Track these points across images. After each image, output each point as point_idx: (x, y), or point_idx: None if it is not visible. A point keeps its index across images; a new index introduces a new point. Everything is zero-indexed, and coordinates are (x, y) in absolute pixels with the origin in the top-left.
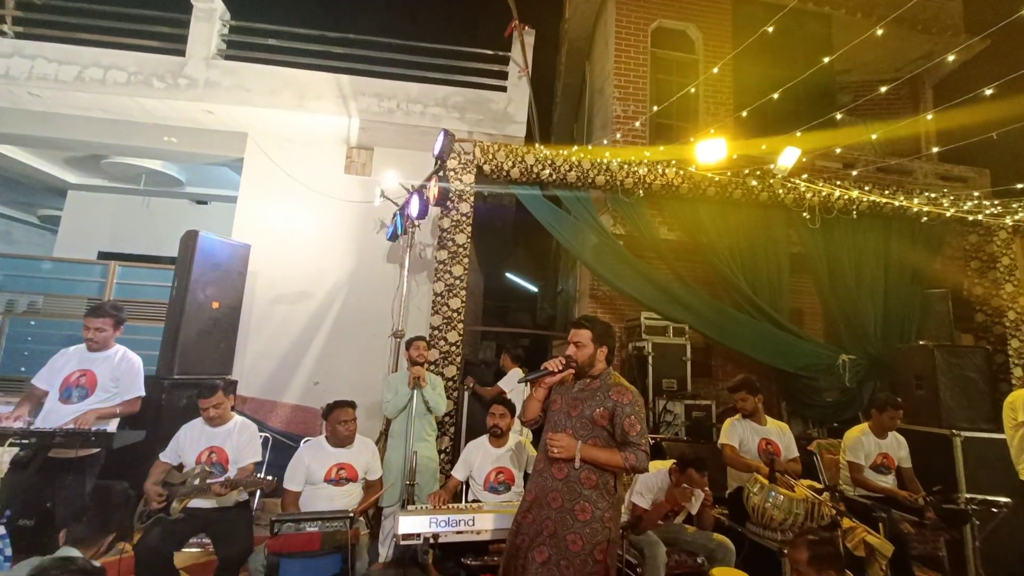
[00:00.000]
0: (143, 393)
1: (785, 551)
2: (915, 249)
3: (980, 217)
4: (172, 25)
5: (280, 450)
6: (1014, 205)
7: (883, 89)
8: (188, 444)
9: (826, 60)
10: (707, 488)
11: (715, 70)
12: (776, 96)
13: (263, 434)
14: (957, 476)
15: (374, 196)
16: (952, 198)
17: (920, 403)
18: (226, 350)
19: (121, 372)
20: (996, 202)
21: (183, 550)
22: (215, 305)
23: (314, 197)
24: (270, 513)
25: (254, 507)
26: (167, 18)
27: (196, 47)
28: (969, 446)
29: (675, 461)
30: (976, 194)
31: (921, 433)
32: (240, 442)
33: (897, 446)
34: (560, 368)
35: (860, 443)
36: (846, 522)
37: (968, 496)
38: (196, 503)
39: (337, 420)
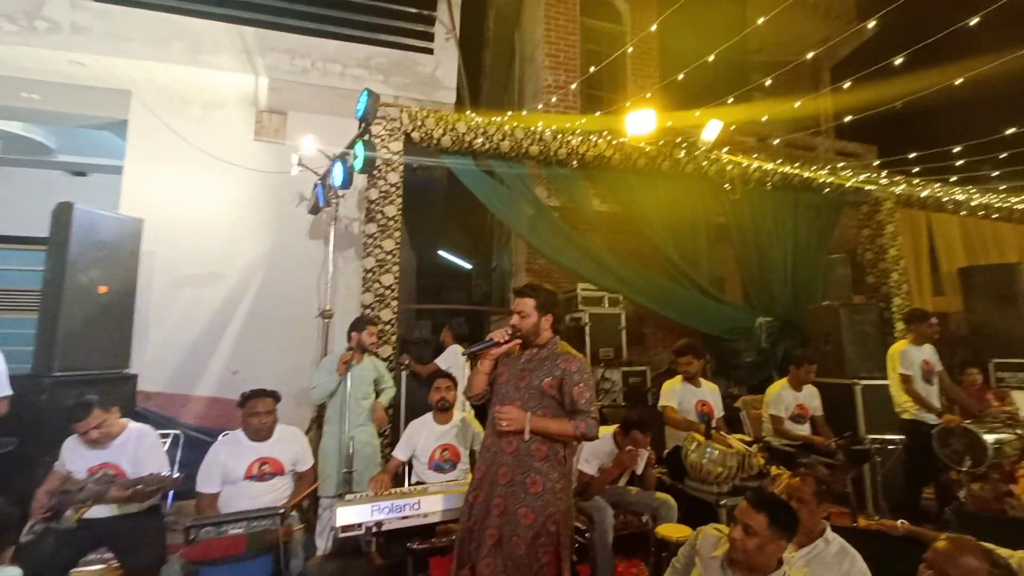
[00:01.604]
0: (9, 392)
1: (776, 484)
2: (819, 218)
3: (872, 188)
4: None
5: (196, 447)
6: (897, 177)
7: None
8: (74, 460)
9: (736, 38)
10: (650, 448)
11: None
12: (711, 59)
13: (173, 431)
14: (858, 420)
15: (290, 165)
16: (849, 171)
17: (828, 357)
18: (120, 340)
19: None
20: (884, 174)
21: (82, 569)
22: (102, 290)
23: (218, 166)
24: (186, 517)
25: (165, 511)
26: None
27: None
28: (867, 393)
29: (619, 425)
30: (876, 163)
31: (830, 384)
32: (139, 453)
33: (811, 397)
34: (506, 339)
35: (780, 397)
36: (773, 470)
37: (872, 437)
38: (95, 512)
39: (249, 412)
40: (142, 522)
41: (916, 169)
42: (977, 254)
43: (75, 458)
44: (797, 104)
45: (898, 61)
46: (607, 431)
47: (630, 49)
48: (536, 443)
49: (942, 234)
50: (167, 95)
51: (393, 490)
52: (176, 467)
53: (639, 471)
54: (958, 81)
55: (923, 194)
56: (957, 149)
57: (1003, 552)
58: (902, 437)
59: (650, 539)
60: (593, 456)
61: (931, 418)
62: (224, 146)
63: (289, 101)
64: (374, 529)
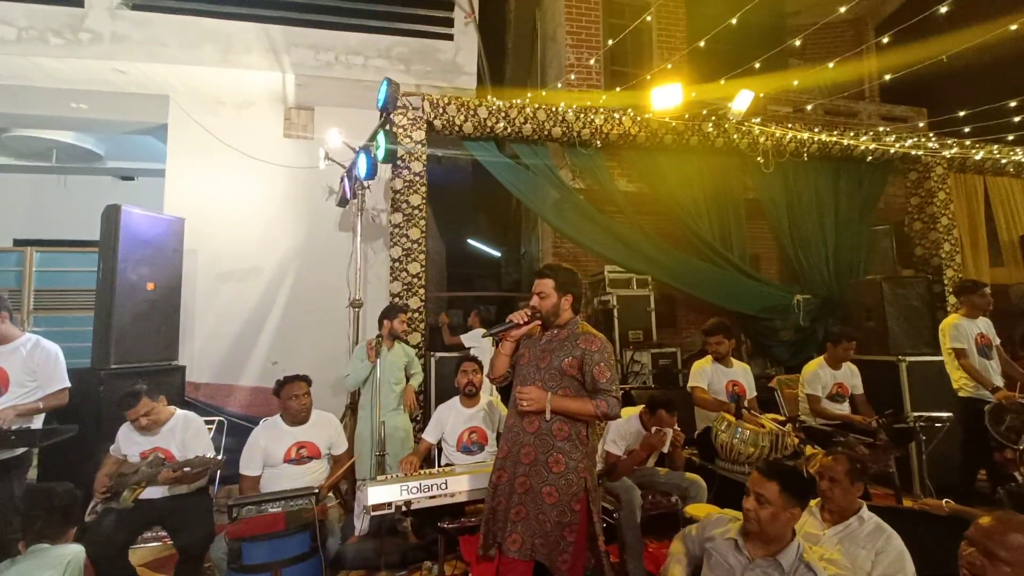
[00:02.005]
0: (67, 384)
1: (811, 464)
2: (861, 188)
3: (920, 152)
4: None
5: (240, 435)
6: (949, 140)
7: (842, 9)
8: (128, 445)
9: None
10: (677, 427)
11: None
12: (734, 22)
13: (217, 418)
14: (903, 398)
15: (318, 160)
16: (895, 137)
17: (870, 334)
18: (169, 334)
19: (36, 363)
20: (933, 138)
21: (140, 546)
22: (150, 286)
23: (252, 164)
24: (231, 499)
25: (214, 494)
26: None
27: None
28: (913, 369)
29: (645, 405)
30: (920, 125)
31: (873, 362)
32: (186, 438)
33: (851, 375)
34: (525, 320)
35: (817, 376)
36: (808, 449)
37: (915, 415)
38: (148, 493)
39: (288, 395)
40: (192, 502)
41: (967, 130)
42: None
43: (129, 443)
44: (831, 64)
45: (944, 10)
46: (634, 412)
47: (649, 18)
48: (557, 423)
49: (1001, 199)
50: (202, 97)
51: (422, 471)
52: (221, 452)
53: (665, 450)
54: (1013, 27)
55: (978, 157)
56: (1013, 104)
57: None
58: (949, 415)
59: (679, 519)
60: (620, 437)
61: (990, 395)
62: (256, 144)
63: (316, 96)
64: (403, 508)
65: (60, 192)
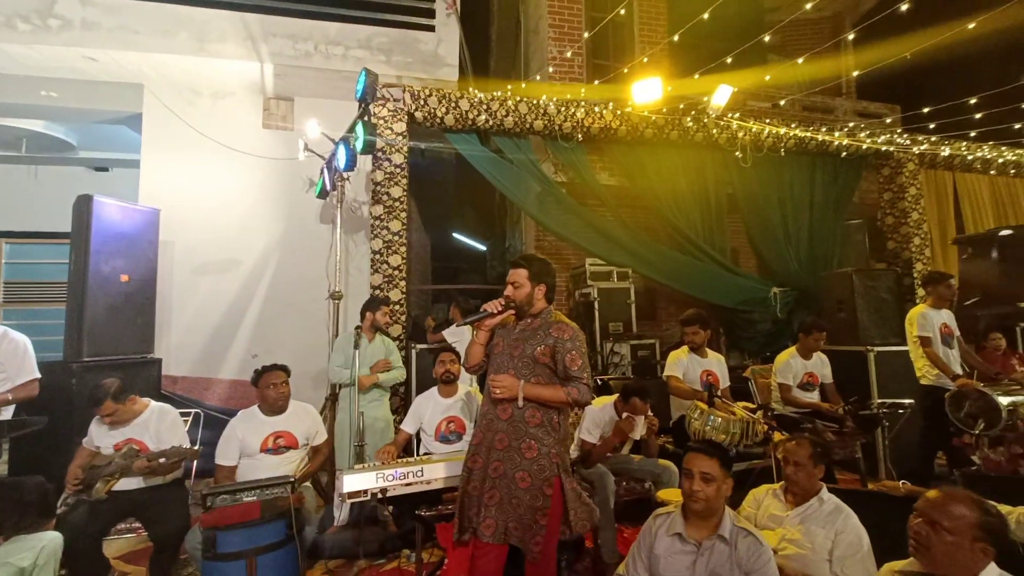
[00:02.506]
0: (37, 375)
1: (779, 450)
2: (836, 183)
3: (892, 149)
4: None
5: (218, 427)
6: (920, 137)
7: (808, 6)
8: (101, 437)
9: None
10: (651, 415)
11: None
12: (706, 17)
13: (193, 410)
14: (871, 386)
15: (298, 151)
16: (868, 133)
17: (842, 324)
18: (144, 326)
19: (4, 355)
20: (906, 135)
21: (114, 537)
22: (124, 278)
23: (231, 155)
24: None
25: (190, 487)
26: None
27: None
28: (881, 359)
29: (619, 393)
30: (888, 121)
31: (843, 352)
32: (160, 429)
33: (821, 365)
34: (499, 309)
35: (788, 365)
36: (777, 436)
37: (879, 401)
38: (123, 485)
39: (266, 384)
40: (167, 494)
41: (932, 126)
42: (1007, 214)
43: (102, 435)
44: (800, 60)
45: (905, 8)
46: (609, 400)
47: (623, 11)
48: (530, 410)
49: (969, 195)
50: (177, 87)
51: (400, 460)
52: (198, 444)
53: (636, 437)
54: (971, 25)
55: (946, 153)
56: (973, 101)
57: (1003, 508)
58: (911, 401)
59: (652, 504)
60: (594, 425)
61: (950, 383)
62: (235, 135)
63: (295, 87)
64: (379, 496)
65: (31, 183)
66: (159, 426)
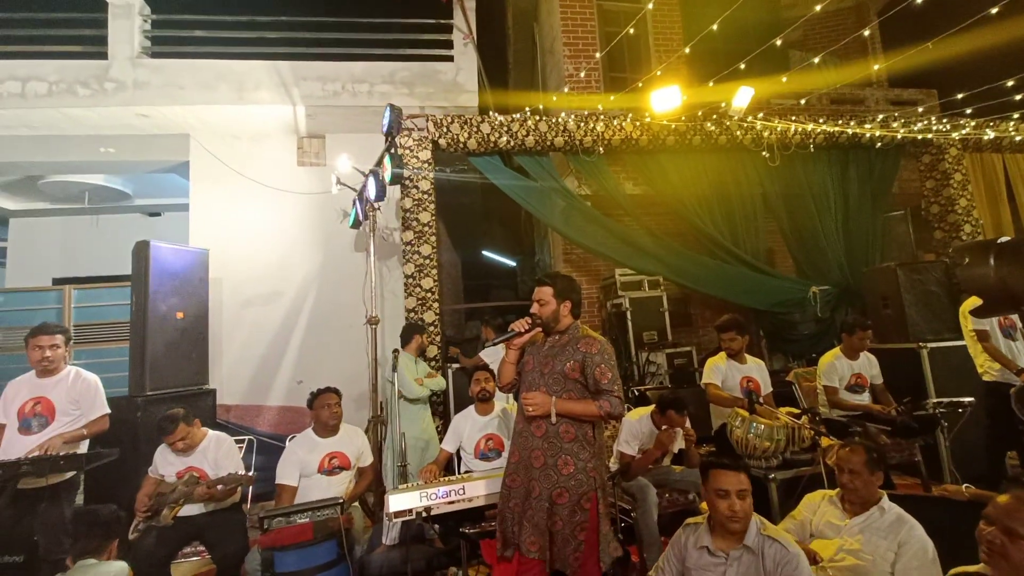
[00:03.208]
0: (108, 410)
1: (828, 456)
2: (872, 175)
3: (931, 136)
4: (90, 26)
5: (270, 453)
6: (960, 121)
7: (817, 8)
8: (164, 466)
9: None
10: (688, 426)
11: (650, 6)
12: (715, 28)
13: (247, 437)
14: (927, 385)
15: (331, 185)
16: (903, 121)
17: (888, 322)
18: (199, 360)
19: (78, 393)
20: (944, 119)
21: (181, 561)
22: (179, 315)
23: (269, 193)
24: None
25: (247, 510)
26: (84, 19)
27: (118, 47)
28: (935, 355)
29: (655, 405)
30: (920, 110)
31: (893, 350)
32: (218, 457)
33: (869, 365)
34: (526, 328)
35: (833, 367)
36: (824, 441)
37: (935, 401)
38: (187, 510)
39: (321, 405)
40: (226, 518)
41: (969, 111)
42: None
43: (165, 464)
44: (815, 60)
45: None
46: (645, 412)
47: (632, 31)
48: (564, 425)
49: (1022, 177)
50: (219, 134)
51: (441, 478)
52: (252, 469)
53: (675, 450)
54: (995, 10)
55: (991, 136)
56: (1011, 83)
57: None
58: (971, 399)
59: (697, 515)
60: (632, 437)
61: (1015, 378)
62: (272, 174)
63: (325, 125)
64: (424, 514)
65: (92, 231)
66: (216, 454)
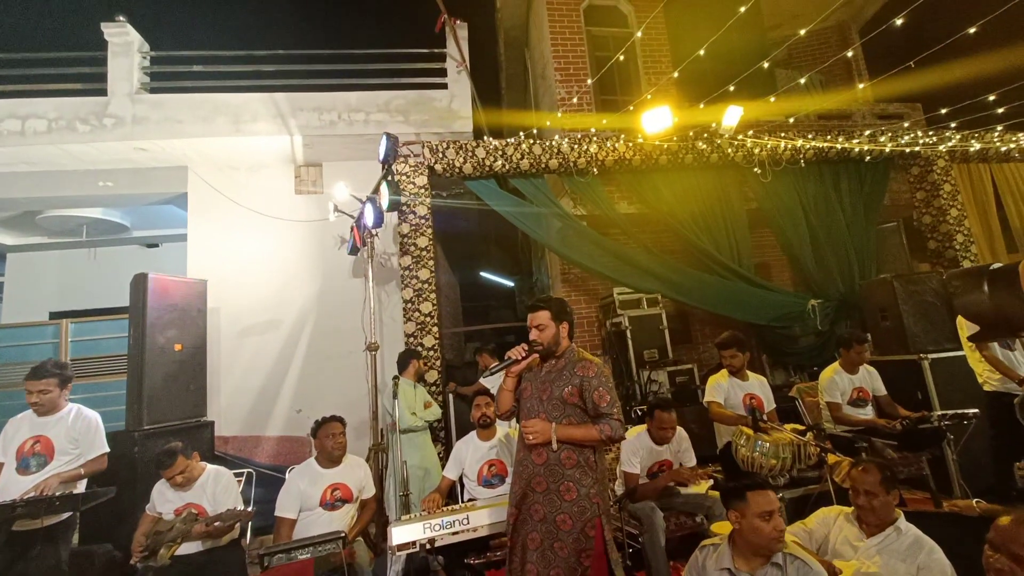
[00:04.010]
0: (107, 449)
1: (836, 473)
2: (863, 188)
3: (918, 148)
4: (90, 64)
5: (268, 485)
6: (947, 133)
7: (802, 32)
8: (162, 503)
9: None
10: (696, 468)
11: (638, 35)
12: (703, 53)
13: (246, 469)
14: (930, 397)
15: (328, 212)
16: (889, 135)
17: (888, 334)
18: (197, 392)
19: (78, 432)
20: (931, 132)
21: None
22: (178, 348)
23: (267, 223)
24: (262, 548)
25: (247, 546)
26: (84, 58)
27: (118, 83)
28: (937, 366)
29: (647, 416)
30: (906, 125)
31: (894, 362)
32: (217, 492)
33: (870, 378)
34: (523, 355)
35: (834, 383)
36: (831, 458)
37: (940, 413)
38: (184, 549)
39: (326, 435)
40: (225, 555)
41: (954, 124)
42: None
43: (163, 501)
44: (802, 81)
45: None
46: (641, 429)
47: (632, 45)
48: (565, 451)
49: (1009, 186)
50: (217, 165)
51: (444, 508)
52: (251, 503)
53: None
54: (972, 30)
55: (977, 147)
56: (992, 98)
57: None
58: (975, 410)
59: (707, 538)
60: (632, 455)
61: (1017, 387)
62: (270, 203)
63: (322, 153)
64: (427, 546)
65: (90, 264)
66: (215, 489)
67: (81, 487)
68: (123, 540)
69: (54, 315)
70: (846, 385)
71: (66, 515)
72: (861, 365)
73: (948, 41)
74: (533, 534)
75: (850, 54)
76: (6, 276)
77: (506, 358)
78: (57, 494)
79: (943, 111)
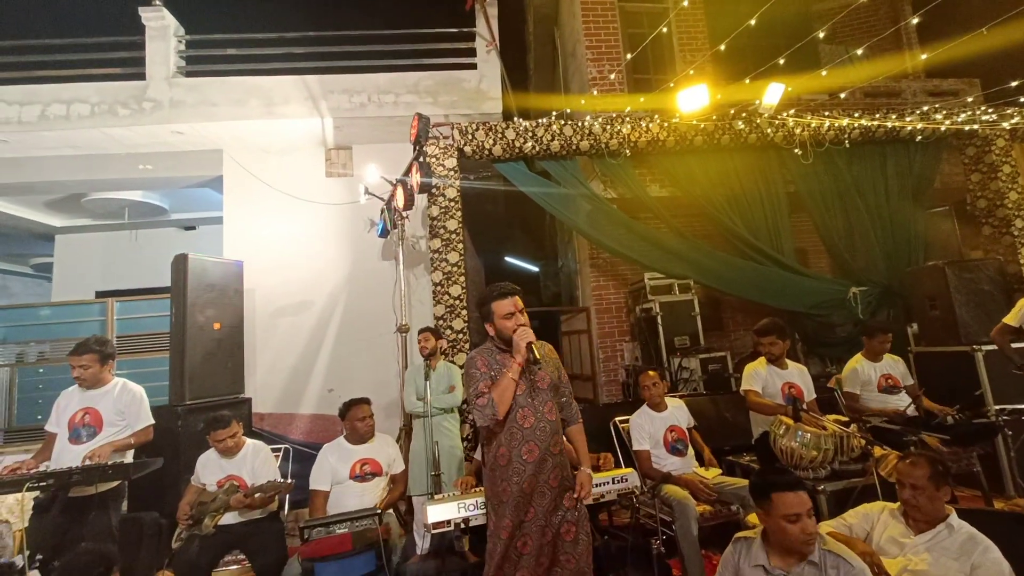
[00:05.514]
0: (152, 421)
1: (882, 466)
2: (912, 170)
3: (976, 127)
4: (129, 49)
5: (303, 461)
6: (1009, 110)
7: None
8: (206, 474)
9: None
10: (704, 488)
11: (685, 3)
12: (753, 23)
13: (283, 445)
14: (984, 391)
15: (359, 195)
16: (945, 112)
17: (936, 323)
18: (235, 369)
19: (124, 404)
20: (990, 109)
21: (221, 569)
22: (216, 326)
23: (299, 205)
24: (301, 522)
25: (284, 518)
26: (123, 42)
27: (155, 67)
28: (992, 358)
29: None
30: (970, 99)
31: (943, 353)
32: (256, 465)
33: (894, 365)
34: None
35: (855, 373)
36: (877, 450)
37: (998, 408)
38: (227, 519)
39: (355, 418)
40: (265, 526)
41: (1023, 99)
42: None
43: (207, 472)
44: (860, 51)
45: None
46: (639, 408)
47: (665, 29)
48: (561, 453)
49: None
50: (251, 148)
51: (477, 488)
52: (288, 477)
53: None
54: None
55: None
56: None
57: None
58: None
59: (742, 528)
60: (640, 432)
61: None
62: (301, 186)
63: (352, 136)
64: (461, 525)
65: (132, 245)
66: (255, 462)
67: (129, 457)
68: (167, 509)
69: (100, 294)
70: (871, 373)
71: (117, 483)
72: (882, 355)
73: (1013, 13)
74: (526, 538)
75: (915, 21)
76: (55, 256)
77: (528, 344)
78: (110, 463)
79: (1013, 84)
